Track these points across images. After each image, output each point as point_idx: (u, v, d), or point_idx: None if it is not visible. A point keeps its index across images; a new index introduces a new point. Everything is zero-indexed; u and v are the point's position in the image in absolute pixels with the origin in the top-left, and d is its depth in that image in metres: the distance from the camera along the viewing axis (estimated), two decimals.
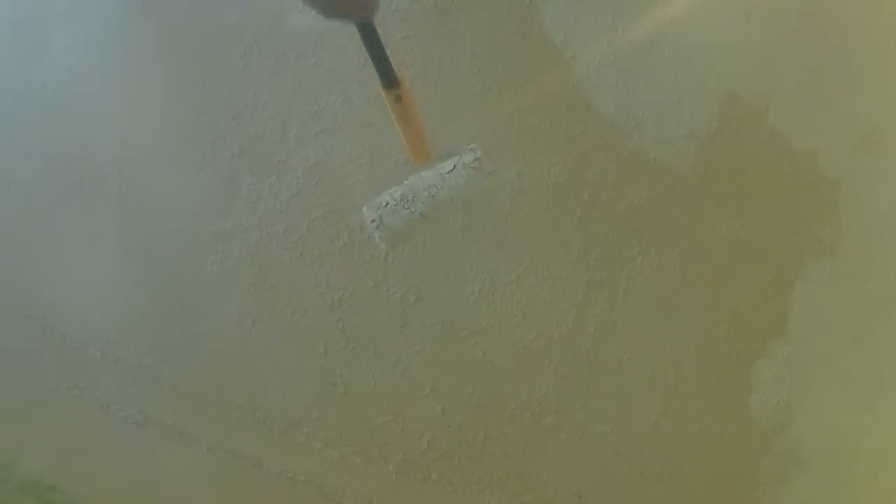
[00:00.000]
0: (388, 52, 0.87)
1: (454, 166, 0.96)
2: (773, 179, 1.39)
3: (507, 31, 1.35)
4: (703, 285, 1.44)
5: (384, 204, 0.96)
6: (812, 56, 1.35)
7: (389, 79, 0.89)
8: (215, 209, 1.49)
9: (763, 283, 1.43)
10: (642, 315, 1.46)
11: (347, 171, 1.44)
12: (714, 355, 1.47)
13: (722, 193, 1.40)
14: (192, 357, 1.56)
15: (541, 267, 1.44)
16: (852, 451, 1.50)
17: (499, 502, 1.55)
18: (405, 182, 0.96)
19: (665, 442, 1.51)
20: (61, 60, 1.48)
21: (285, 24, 1.38)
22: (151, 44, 1.46)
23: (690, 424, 1.50)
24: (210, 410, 1.57)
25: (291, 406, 1.55)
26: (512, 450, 1.53)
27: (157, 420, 1.58)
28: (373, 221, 0.95)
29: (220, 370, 1.55)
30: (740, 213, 1.40)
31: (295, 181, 1.45)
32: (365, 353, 1.51)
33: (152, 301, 1.55)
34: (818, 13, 1.33)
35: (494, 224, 1.43)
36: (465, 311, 1.47)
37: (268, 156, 1.45)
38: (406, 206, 0.96)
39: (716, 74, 1.35)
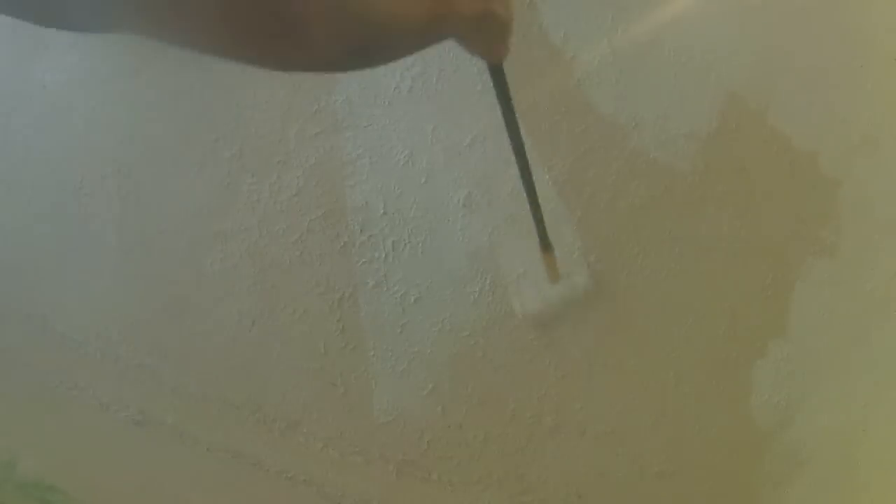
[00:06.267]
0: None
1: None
2: (773, 179, 1.39)
3: None
4: (703, 285, 1.44)
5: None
6: (812, 56, 1.35)
7: (546, 243, 1.30)
8: (215, 209, 1.49)
9: (763, 283, 1.43)
10: (642, 315, 1.46)
11: (347, 171, 1.44)
12: (714, 355, 1.47)
13: (722, 193, 1.40)
14: (192, 357, 1.56)
15: (541, 267, 1.44)
16: (852, 451, 1.50)
17: (499, 502, 1.55)
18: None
19: (665, 442, 1.51)
20: (61, 60, 1.48)
21: None
22: (151, 43, 1.46)
23: (690, 424, 1.50)
24: (210, 410, 1.57)
25: (291, 406, 1.55)
26: (512, 450, 1.53)
27: (157, 420, 1.58)
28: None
29: (220, 370, 1.55)
30: (740, 213, 1.40)
31: (295, 181, 1.45)
32: (365, 353, 1.51)
33: (152, 301, 1.55)
34: (818, 13, 1.33)
35: (495, 224, 1.43)
36: (465, 311, 1.47)
37: (268, 156, 1.45)
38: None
39: (716, 74, 1.35)
